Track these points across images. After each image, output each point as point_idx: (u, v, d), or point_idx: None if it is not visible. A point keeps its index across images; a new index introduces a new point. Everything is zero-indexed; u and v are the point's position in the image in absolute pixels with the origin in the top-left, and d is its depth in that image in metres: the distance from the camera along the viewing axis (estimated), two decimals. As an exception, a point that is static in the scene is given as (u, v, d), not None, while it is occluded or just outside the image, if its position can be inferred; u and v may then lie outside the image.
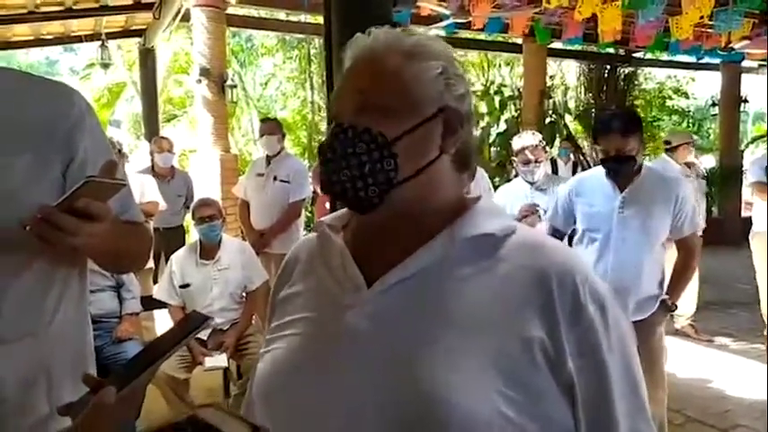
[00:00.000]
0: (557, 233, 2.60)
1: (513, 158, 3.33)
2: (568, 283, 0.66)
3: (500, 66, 11.79)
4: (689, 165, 4.64)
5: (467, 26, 6.69)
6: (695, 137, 8.66)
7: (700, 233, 2.60)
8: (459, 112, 0.71)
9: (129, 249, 1.15)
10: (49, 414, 0.99)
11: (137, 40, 7.21)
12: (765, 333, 4.16)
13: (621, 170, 2.29)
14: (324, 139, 0.71)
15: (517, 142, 3.27)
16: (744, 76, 9.18)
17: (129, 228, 1.12)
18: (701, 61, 8.89)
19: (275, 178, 4.08)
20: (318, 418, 0.65)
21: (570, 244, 2.56)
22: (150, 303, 3.46)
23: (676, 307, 2.45)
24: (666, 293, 2.39)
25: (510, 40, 8.18)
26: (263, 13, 7.33)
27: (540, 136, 3.32)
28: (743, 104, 9.20)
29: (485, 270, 0.68)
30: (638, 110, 10.88)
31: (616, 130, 2.24)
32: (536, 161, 3.12)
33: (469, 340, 0.64)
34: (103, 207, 0.92)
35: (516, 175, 3.45)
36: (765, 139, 11.58)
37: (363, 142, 0.66)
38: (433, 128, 0.69)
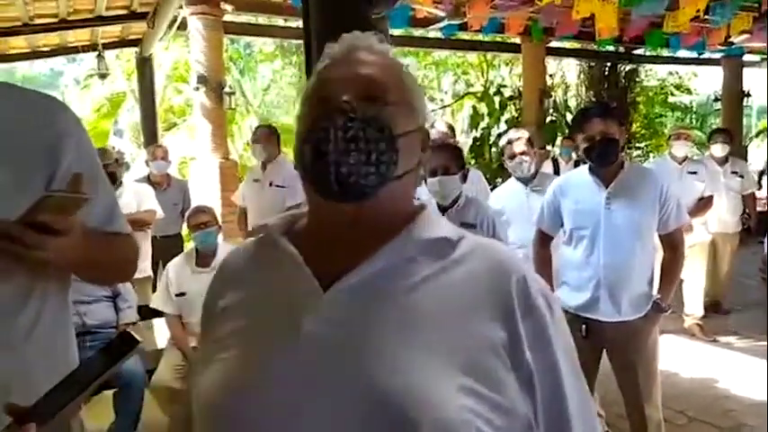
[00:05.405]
0: (545, 237, 2.58)
1: (502, 157, 3.33)
2: (521, 281, 0.70)
3: (499, 66, 11.76)
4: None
5: (464, 27, 6.67)
6: (698, 132, 8.59)
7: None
8: (429, 134, 0.79)
9: (109, 261, 1.15)
10: None
11: (134, 49, 7.23)
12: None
13: (607, 154, 2.28)
14: (320, 117, 0.68)
15: (502, 139, 3.32)
16: (745, 70, 9.11)
17: (109, 239, 1.11)
18: (702, 56, 8.83)
19: (271, 183, 4.09)
20: (281, 429, 0.63)
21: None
22: (149, 312, 3.45)
23: (670, 308, 2.42)
24: (657, 293, 2.37)
25: (509, 41, 8.16)
26: (260, 19, 7.33)
27: (525, 132, 3.31)
28: (746, 99, 9.13)
29: (442, 271, 0.69)
30: (641, 106, 10.86)
31: (595, 115, 2.30)
32: (521, 154, 3.09)
33: (434, 340, 0.64)
34: (67, 221, 0.91)
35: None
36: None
37: (373, 129, 0.67)
38: (418, 138, 0.74)
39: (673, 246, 2.40)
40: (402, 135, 0.70)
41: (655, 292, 2.38)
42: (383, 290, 0.67)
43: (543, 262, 2.53)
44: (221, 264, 0.82)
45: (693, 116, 12.90)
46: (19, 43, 6.30)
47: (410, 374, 0.61)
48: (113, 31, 6.66)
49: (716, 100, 9.96)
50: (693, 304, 4.46)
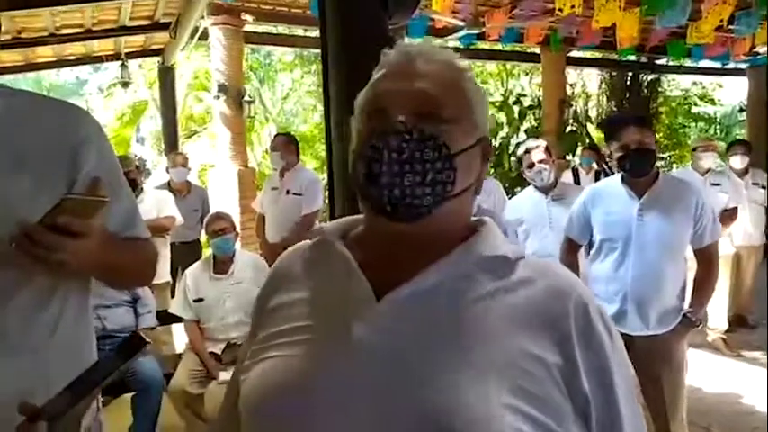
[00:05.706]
0: (573, 244, 2.54)
1: (520, 167, 3.30)
2: (580, 306, 0.67)
3: (519, 75, 11.72)
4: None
5: (482, 37, 6.67)
6: (722, 143, 8.43)
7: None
8: (491, 144, 0.75)
9: (129, 265, 1.16)
10: None
11: (157, 59, 7.35)
12: None
13: (643, 164, 2.23)
14: (375, 135, 0.66)
15: (520, 149, 3.27)
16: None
17: (128, 244, 1.13)
18: (726, 67, 8.69)
19: (288, 191, 4.11)
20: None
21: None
22: (168, 318, 3.48)
23: (700, 322, 2.36)
24: (689, 307, 2.31)
25: (528, 50, 8.13)
26: (280, 29, 7.41)
27: (543, 141, 3.28)
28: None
29: (500, 290, 0.67)
30: (663, 117, 10.73)
31: (632, 123, 2.25)
32: (540, 162, 3.05)
33: (485, 359, 0.63)
34: (86, 224, 0.92)
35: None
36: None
37: (429, 149, 0.65)
38: (477, 152, 0.71)
39: (707, 260, 2.33)
40: (460, 152, 0.67)
41: (686, 305, 2.32)
42: (437, 304, 0.66)
43: (570, 269, 2.49)
44: (275, 265, 0.82)
45: (718, 127, 12.68)
46: (46, 52, 6.46)
47: (458, 391, 0.60)
48: (137, 40, 6.79)
49: (741, 110, 9.80)
50: (717, 318, 4.36)
